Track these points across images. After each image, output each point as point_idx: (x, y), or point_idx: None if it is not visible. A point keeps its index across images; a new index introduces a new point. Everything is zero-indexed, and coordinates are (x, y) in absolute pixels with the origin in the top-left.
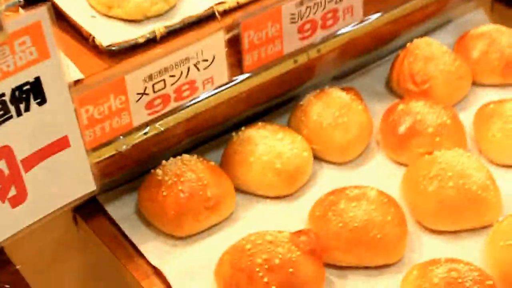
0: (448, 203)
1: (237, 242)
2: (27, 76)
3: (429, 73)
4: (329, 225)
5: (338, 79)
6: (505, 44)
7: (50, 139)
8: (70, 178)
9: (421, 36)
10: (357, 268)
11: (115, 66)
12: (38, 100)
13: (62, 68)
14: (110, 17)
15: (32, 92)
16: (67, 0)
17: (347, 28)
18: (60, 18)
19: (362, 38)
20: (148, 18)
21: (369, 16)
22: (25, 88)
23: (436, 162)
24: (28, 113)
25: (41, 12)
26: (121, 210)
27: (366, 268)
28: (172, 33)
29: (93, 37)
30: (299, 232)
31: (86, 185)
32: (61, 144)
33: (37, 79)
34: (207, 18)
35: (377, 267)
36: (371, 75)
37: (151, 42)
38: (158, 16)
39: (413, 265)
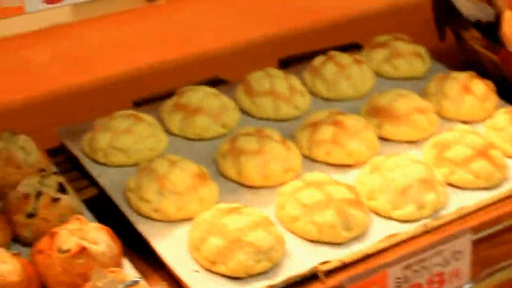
0: None
1: None
2: None
3: None
4: None
5: None
6: None
7: None
8: None
9: None
10: None
11: None
12: None
13: None
14: (213, 272)
15: None
16: (171, 252)
17: None
18: (163, 269)
19: None
20: (251, 276)
21: (476, 278)
22: None
23: None
24: None
25: None
26: None
27: None
28: None
29: None
30: None
31: None
32: None
33: None
34: (310, 278)
35: None
36: None
37: None
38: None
39: None
